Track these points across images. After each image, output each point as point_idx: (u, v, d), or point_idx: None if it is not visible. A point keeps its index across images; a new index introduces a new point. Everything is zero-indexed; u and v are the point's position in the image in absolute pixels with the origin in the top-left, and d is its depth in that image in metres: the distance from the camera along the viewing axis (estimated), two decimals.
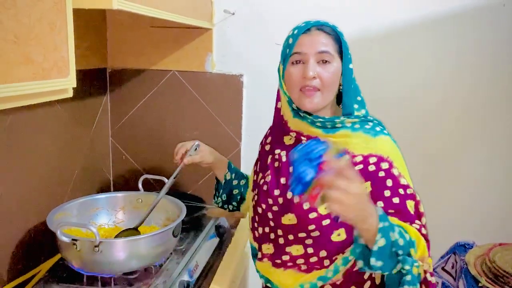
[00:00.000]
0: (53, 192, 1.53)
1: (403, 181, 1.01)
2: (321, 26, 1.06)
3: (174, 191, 1.55)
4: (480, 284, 1.52)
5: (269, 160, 1.19)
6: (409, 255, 0.90)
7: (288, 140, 1.16)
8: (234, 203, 1.39)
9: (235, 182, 1.37)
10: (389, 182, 1.00)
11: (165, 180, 1.53)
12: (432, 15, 1.67)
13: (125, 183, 1.96)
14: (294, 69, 1.06)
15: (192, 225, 1.63)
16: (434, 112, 1.75)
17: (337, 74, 1.06)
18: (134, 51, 1.87)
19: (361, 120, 1.07)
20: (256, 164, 1.29)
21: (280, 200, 1.10)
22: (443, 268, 1.83)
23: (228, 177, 1.36)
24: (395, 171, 1.01)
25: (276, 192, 1.11)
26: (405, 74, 1.74)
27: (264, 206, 1.14)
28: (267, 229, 1.15)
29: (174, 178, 1.36)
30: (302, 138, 1.10)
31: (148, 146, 1.94)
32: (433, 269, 1.82)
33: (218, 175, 1.38)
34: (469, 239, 1.76)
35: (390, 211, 0.97)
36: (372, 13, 1.71)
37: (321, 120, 1.06)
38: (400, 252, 0.89)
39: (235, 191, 1.37)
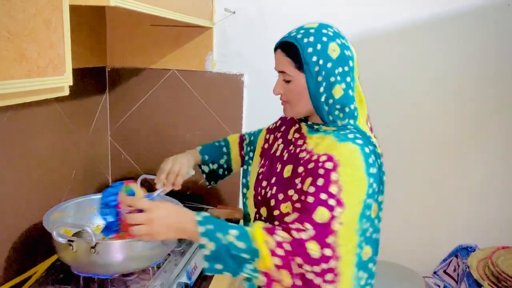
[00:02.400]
0: (51, 192, 1.52)
1: (332, 189, 0.93)
2: (281, 44, 1.05)
3: (173, 192, 1.53)
4: None
5: (272, 149, 1.20)
6: (253, 260, 0.92)
7: (293, 130, 1.17)
8: (225, 173, 1.43)
9: (215, 166, 1.40)
10: (320, 181, 0.95)
11: (164, 180, 1.52)
12: (436, 15, 1.65)
13: None
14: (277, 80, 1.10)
15: None
16: (436, 114, 1.73)
17: (297, 89, 1.04)
18: (133, 50, 1.86)
19: (338, 128, 1.03)
20: (268, 134, 1.29)
21: (267, 190, 1.13)
22: (445, 271, 1.82)
23: (207, 170, 1.40)
24: (333, 176, 0.94)
25: (264, 183, 1.15)
26: (407, 75, 1.72)
27: (254, 192, 1.19)
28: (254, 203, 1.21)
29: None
30: (297, 134, 1.13)
31: (147, 146, 1.93)
32: (435, 272, 1.84)
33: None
34: (471, 242, 1.76)
35: (296, 205, 0.99)
36: (374, 13, 1.69)
37: (304, 122, 1.11)
38: (244, 255, 0.91)
39: (220, 171, 1.41)
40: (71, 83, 0.95)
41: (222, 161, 1.40)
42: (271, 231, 0.94)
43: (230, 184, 1.84)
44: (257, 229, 0.94)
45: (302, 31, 1.03)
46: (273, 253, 0.91)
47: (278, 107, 1.20)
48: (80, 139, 1.72)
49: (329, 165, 0.95)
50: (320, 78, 1.01)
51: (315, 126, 1.08)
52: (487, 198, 1.76)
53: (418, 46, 1.70)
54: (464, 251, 1.76)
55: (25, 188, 1.40)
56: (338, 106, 1.03)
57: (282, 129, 1.23)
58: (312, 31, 1.02)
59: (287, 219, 0.99)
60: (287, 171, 1.07)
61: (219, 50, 1.81)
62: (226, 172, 1.42)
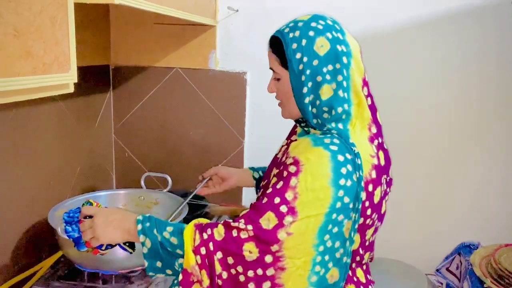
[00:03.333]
0: (55, 189, 1.52)
1: (287, 195, 0.85)
2: (270, 40, 1.00)
3: (176, 190, 1.54)
4: (485, 285, 1.49)
5: (277, 151, 1.17)
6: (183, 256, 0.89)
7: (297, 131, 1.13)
8: None
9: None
10: (279, 184, 0.88)
11: (168, 178, 1.53)
12: (436, 13, 1.65)
13: (128, 180, 1.94)
14: None
15: None
16: (437, 112, 1.73)
17: (287, 89, 0.97)
18: (137, 48, 1.85)
19: (322, 133, 0.95)
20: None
21: (259, 192, 1.11)
22: (447, 269, 1.81)
23: (257, 176, 1.34)
24: (292, 181, 0.86)
25: (261, 184, 1.11)
26: (407, 74, 1.72)
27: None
28: None
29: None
30: (294, 136, 1.09)
31: (151, 144, 1.93)
32: (437, 270, 1.83)
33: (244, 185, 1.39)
34: (474, 239, 1.73)
35: (253, 202, 0.95)
36: (375, 12, 1.68)
37: (299, 124, 1.06)
38: (179, 251, 0.88)
39: None
40: (76, 80, 0.95)
41: None
42: (202, 228, 0.89)
43: None
44: (189, 225, 0.91)
45: (291, 25, 0.96)
46: (196, 251, 0.86)
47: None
48: (85, 136, 1.72)
49: (292, 169, 0.88)
50: (303, 77, 0.93)
51: (305, 129, 1.02)
52: (490, 195, 1.76)
53: (416, 45, 1.69)
54: (467, 248, 1.75)
55: (30, 184, 1.40)
56: (325, 109, 0.94)
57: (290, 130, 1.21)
58: (300, 24, 0.94)
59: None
60: (273, 174, 1.01)
61: (222, 48, 1.80)
62: None
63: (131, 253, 1.02)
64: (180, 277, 0.88)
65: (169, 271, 0.92)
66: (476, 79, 1.67)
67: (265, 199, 0.87)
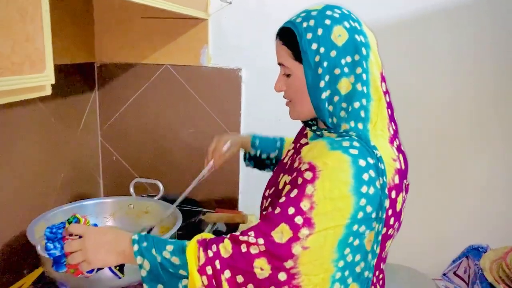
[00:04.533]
0: (37, 198, 1.44)
1: (303, 205, 0.78)
2: (280, 31, 0.92)
3: (165, 194, 1.44)
4: None
5: (283, 156, 1.10)
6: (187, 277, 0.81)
7: (302, 137, 1.05)
8: (268, 168, 1.31)
9: (263, 156, 1.29)
10: (293, 192, 0.80)
11: (159, 184, 1.44)
12: (434, 8, 1.57)
13: (117, 186, 1.86)
14: None
15: (187, 231, 1.51)
16: (442, 112, 1.67)
17: (299, 85, 0.90)
18: (123, 44, 1.77)
19: (339, 135, 0.87)
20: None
21: (264, 201, 1.02)
22: (455, 273, 1.76)
23: (252, 153, 1.29)
24: (309, 189, 0.78)
25: (267, 192, 1.03)
26: (406, 72, 1.65)
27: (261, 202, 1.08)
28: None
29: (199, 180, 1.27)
30: (304, 140, 1.02)
31: (140, 146, 1.85)
32: (444, 274, 1.77)
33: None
34: (481, 242, 1.68)
35: (264, 212, 0.88)
36: (374, 4, 1.60)
37: (310, 126, 0.99)
38: (182, 272, 0.81)
39: (267, 162, 1.29)
40: (53, 81, 0.84)
41: (272, 155, 1.27)
42: (206, 244, 0.82)
43: (227, 185, 1.76)
44: (192, 242, 0.83)
45: (303, 15, 0.89)
46: (201, 271, 0.79)
47: (279, 104, 1.10)
48: (68, 140, 1.63)
49: (308, 175, 0.79)
50: (320, 70, 0.85)
51: (317, 132, 0.94)
52: (497, 196, 1.70)
53: (416, 41, 1.62)
54: (475, 251, 1.69)
55: (8, 195, 1.31)
56: (344, 105, 0.86)
57: (297, 133, 1.12)
58: (314, 13, 0.87)
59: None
60: (282, 181, 0.93)
61: (215, 44, 1.71)
62: (272, 167, 1.29)
63: (120, 278, 0.92)
64: None
65: None
66: (484, 77, 1.61)
67: (278, 209, 0.79)
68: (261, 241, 0.78)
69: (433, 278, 1.68)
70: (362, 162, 0.80)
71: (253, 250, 0.78)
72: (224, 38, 1.70)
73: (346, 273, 0.81)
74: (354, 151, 0.80)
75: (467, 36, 1.58)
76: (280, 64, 0.93)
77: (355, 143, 0.82)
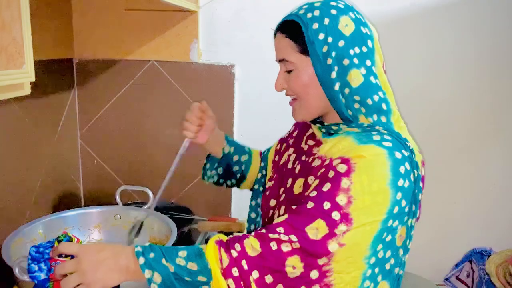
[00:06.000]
0: (10, 208, 1.33)
1: (339, 199, 0.75)
2: (281, 25, 0.88)
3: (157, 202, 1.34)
4: None
5: (282, 160, 1.04)
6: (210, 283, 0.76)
7: (305, 138, 1.00)
8: (233, 180, 1.19)
9: (235, 158, 1.15)
10: (326, 186, 0.77)
11: (148, 191, 1.35)
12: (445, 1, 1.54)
13: (99, 194, 1.77)
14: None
15: (179, 241, 1.41)
16: (450, 111, 1.64)
17: (304, 79, 0.86)
18: (105, 39, 1.69)
19: (363, 129, 0.84)
20: (279, 144, 1.10)
21: (271, 212, 0.98)
22: (457, 277, 1.74)
23: (226, 151, 1.14)
24: (344, 182, 0.75)
25: (272, 202, 0.98)
26: (418, 69, 1.61)
27: (261, 212, 1.04)
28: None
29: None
30: (311, 141, 0.96)
31: (124, 149, 1.76)
32: (447, 279, 1.72)
33: (212, 151, 1.15)
34: (483, 245, 1.68)
35: (293, 206, 0.82)
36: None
37: (319, 125, 0.93)
38: (201, 278, 0.75)
39: (235, 168, 1.16)
40: (33, 79, 0.73)
41: (243, 158, 1.16)
42: (228, 244, 0.78)
43: (220, 192, 1.66)
44: (209, 243, 0.78)
45: (305, 7, 0.86)
46: (226, 274, 0.74)
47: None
48: (45, 144, 1.54)
49: (342, 168, 0.76)
50: (330, 61, 0.82)
51: (333, 127, 0.88)
52: (499, 199, 1.69)
53: (415, 38, 1.59)
54: (479, 255, 1.68)
55: None
56: (357, 98, 0.83)
57: (295, 134, 1.04)
58: (317, 4, 0.85)
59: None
60: (298, 186, 0.89)
61: (205, 38, 1.64)
62: (238, 175, 1.17)
63: None
64: None
65: None
66: (489, 74, 1.59)
67: (311, 204, 0.76)
68: (294, 238, 0.74)
69: (436, 284, 1.64)
70: (398, 155, 0.78)
71: (285, 248, 0.75)
72: (216, 32, 1.64)
73: (377, 270, 0.80)
74: (388, 144, 0.79)
75: (469, 31, 1.56)
76: (281, 60, 0.89)
77: (386, 136, 0.80)
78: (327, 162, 0.81)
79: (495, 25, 1.55)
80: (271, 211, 0.96)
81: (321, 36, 0.82)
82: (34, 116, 1.45)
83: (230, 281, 0.74)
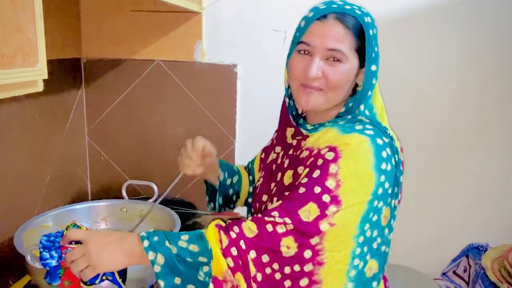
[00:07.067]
0: (21, 202, 1.37)
1: (329, 183, 0.80)
2: (342, 15, 0.86)
3: (158, 197, 1.38)
4: None
5: (269, 159, 1.07)
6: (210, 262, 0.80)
7: (290, 133, 1.03)
8: (231, 205, 1.23)
9: (228, 181, 1.18)
10: (316, 173, 0.81)
11: (153, 186, 1.38)
12: (434, 3, 1.55)
13: (106, 189, 1.80)
14: (299, 59, 0.91)
15: None
16: (446, 108, 1.64)
17: (348, 75, 0.89)
18: (112, 39, 1.71)
19: (347, 121, 0.89)
20: (264, 150, 1.14)
21: (264, 206, 1.01)
22: (454, 272, 1.75)
23: (221, 178, 1.16)
24: (332, 168, 0.80)
25: (265, 197, 1.01)
26: (410, 68, 1.62)
27: (253, 209, 1.08)
28: None
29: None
30: (298, 136, 0.99)
31: (130, 146, 1.78)
32: (444, 273, 1.75)
33: (210, 178, 1.16)
34: (480, 240, 1.68)
35: (285, 192, 0.87)
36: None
37: (303, 128, 0.96)
38: (202, 259, 0.79)
39: (230, 191, 1.19)
40: (46, 76, 0.78)
41: (234, 180, 1.18)
42: (227, 227, 0.82)
43: None
44: (210, 226, 0.83)
45: (355, 8, 0.88)
46: (226, 253, 0.78)
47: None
48: (54, 140, 1.56)
49: (329, 155, 0.82)
50: (374, 68, 0.89)
51: (319, 129, 0.92)
52: (494, 194, 1.69)
53: (413, 36, 1.59)
54: (475, 250, 1.69)
55: None
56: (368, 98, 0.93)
57: (275, 136, 1.09)
58: (365, 10, 0.89)
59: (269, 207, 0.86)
60: (288, 177, 0.93)
61: (209, 38, 1.66)
62: (234, 197, 1.19)
63: None
64: (211, 287, 0.79)
65: (191, 287, 0.81)
66: (477, 74, 1.60)
67: (302, 189, 0.81)
68: (288, 220, 0.79)
69: (433, 278, 1.67)
70: (379, 141, 0.84)
71: (280, 229, 0.79)
72: (219, 32, 1.66)
73: (365, 248, 0.84)
74: (370, 132, 0.85)
75: (473, 30, 1.56)
76: (331, 49, 0.86)
77: (368, 126, 0.86)
78: (315, 152, 0.86)
79: (498, 25, 1.55)
80: (263, 206, 0.99)
81: (373, 42, 0.88)
82: (44, 114, 1.48)
83: (229, 259, 0.78)
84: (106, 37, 1.70)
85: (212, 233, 0.80)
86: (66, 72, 1.64)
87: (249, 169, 1.20)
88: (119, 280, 0.85)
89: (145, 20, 1.67)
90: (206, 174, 1.14)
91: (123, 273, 0.87)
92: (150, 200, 1.36)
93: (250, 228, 0.80)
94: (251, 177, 1.19)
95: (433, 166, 1.70)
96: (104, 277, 0.85)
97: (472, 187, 1.70)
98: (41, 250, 0.86)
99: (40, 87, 0.79)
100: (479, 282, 1.55)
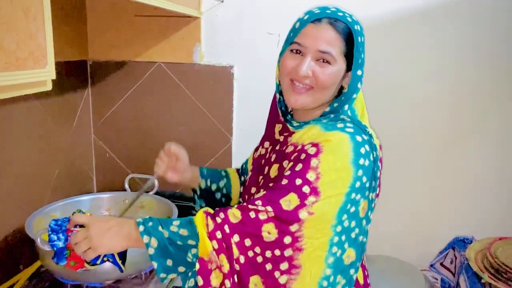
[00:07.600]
0: (32, 194, 1.44)
1: (309, 176, 0.85)
2: (334, 20, 0.91)
3: (161, 191, 1.46)
4: (482, 281, 1.47)
5: (258, 153, 1.13)
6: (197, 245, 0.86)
7: (278, 129, 1.08)
8: (218, 203, 1.26)
9: (214, 187, 1.22)
10: (298, 166, 0.87)
11: (153, 179, 1.45)
12: (430, 3, 1.58)
13: (110, 183, 1.86)
14: (291, 57, 0.95)
15: None
16: (432, 106, 1.68)
17: (335, 77, 0.94)
18: (117, 42, 1.77)
19: (330, 119, 0.95)
20: (255, 152, 1.20)
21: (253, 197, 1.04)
22: (441, 264, 1.79)
23: (203, 185, 1.20)
24: (313, 162, 0.86)
25: (253, 190, 1.06)
26: (401, 68, 1.66)
27: (243, 199, 1.12)
28: None
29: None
30: (285, 132, 1.04)
31: (133, 143, 1.85)
32: (431, 265, 1.80)
33: (194, 187, 1.22)
34: (467, 234, 1.71)
35: (269, 184, 0.94)
36: (367, 2, 1.61)
37: (289, 124, 1.02)
38: (190, 242, 0.86)
39: (217, 195, 1.23)
40: (54, 77, 0.87)
41: (221, 184, 1.23)
42: (214, 214, 0.88)
43: None
44: (198, 213, 0.89)
45: (347, 15, 0.93)
46: (211, 236, 0.85)
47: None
48: (62, 137, 1.63)
49: (311, 150, 0.87)
50: (360, 72, 0.95)
51: (304, 126, 0.98)
52: (483, 190, 1.73)
53: (410, 37, 1.63)
54: (461, 243, 1.73)
55: (4, 190, 1.31)
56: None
57: (263, 134, 1.15)
58: (355, 19, 0.95)
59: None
60: (274, 170, 0.98)
61: (207, 41, 1.72)
62: (223, 199, 1.24)
63: (122, 271, 0.94)
64: (197, 266, 0.85)
65: (181, 268, 0.88)
66: (472, 72, 1.63)
67: (285, 181, 0.86)
68: (269, 208, 0.84)
69: (421, 269, 1.72)
70: (358, 138, 0.89)
71: (262, 216, 0.84)
72: (217, 36, 1.71)
73: (343, 237, 0.88)
74: (350, 130, 0.90)
75: (466, 32, 1.59)
76: (322, 52, 0.91)
77: (349, 124, 0.92)
78: (299, 147, 0.92)
79: (495, 27, 1.57)
80: (252, 197, 1.02)
81: (360, 49, 0.94)
82: (52, 113, 1.54)
83: (214, 242, 0.84)
84: (110, 40, 1.76)
85: (200, 219, 0.86)
86: (73, 74, 1.70)
87: (242, 169, 1.25)
88: (119, 262, 0.94)
89: (148, 25, 1.72)
90: (189, 184, 1.20)
91: (123, 255, 0.95)
92: (151, 193, 1.45)
93: (234, 214, 0.86)
94: (243, 178, 1.23)
95: (422, 161, 1.73)
96: (105, 259, 0.94)
97: (461, 183, 1.73)
98: (50, 232, 0.94)
99: (49, 86, 0.88)
100: (463, 272, 1.60)
